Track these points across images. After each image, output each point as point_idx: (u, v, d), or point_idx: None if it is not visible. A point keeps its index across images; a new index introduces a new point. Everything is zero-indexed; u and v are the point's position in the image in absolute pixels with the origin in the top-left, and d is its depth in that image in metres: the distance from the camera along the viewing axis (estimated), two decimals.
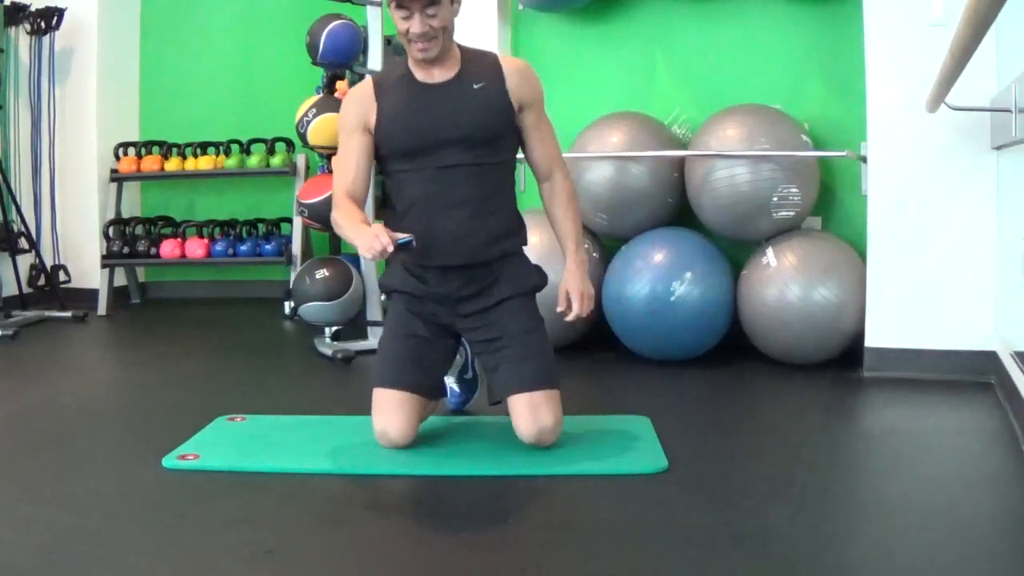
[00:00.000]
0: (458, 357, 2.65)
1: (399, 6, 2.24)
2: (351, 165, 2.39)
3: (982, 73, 2.84)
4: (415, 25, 2.23)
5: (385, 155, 2.40)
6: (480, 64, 2.40)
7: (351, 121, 2.40)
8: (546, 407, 2.34)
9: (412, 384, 2.40)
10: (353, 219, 2.28)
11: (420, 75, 2.36)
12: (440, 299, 2.43)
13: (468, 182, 2.35)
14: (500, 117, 2.37)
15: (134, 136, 5.43)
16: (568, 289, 2.45)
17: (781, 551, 1.76)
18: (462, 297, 2.42)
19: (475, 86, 2.35)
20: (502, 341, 2.39)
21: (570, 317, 2.45)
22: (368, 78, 2.47)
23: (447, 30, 2.29)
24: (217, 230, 5.04)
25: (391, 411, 2.38)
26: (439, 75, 2.36)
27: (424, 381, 2.43)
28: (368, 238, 2.14)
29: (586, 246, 3.55)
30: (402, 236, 2.21)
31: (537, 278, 2.50)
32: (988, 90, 2.90)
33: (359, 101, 2.40)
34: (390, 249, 2.13)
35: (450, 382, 2.69)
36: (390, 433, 2.37)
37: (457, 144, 2.33)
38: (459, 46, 2.41)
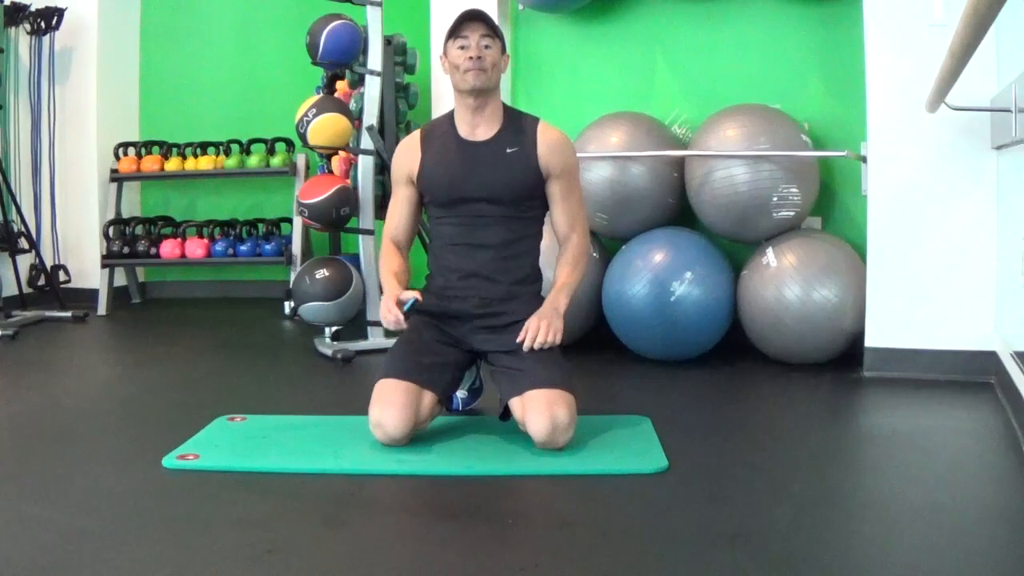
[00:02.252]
0: (467, 374, 2.67)
1: (458, 36, 2.46)
2: (397, 213, 2.64)
3: (982, 73, 2.84)
4: (471, 50, 2.44)
5: (427, 201, 2.62)
6: (519, 128, 2.55)
7: (399, 173, 2.64)
8: (562, 405, 2.34)
9: (415, 377, 2.41)
10: (386, 270, 2.56)
11: (463, 131, 2.55)
12: (458, 315, 2.53)
13: (494, 229, 2.53)
14: (526, 181, 2.53)
15: (134, 136, 5.43)
16: (530, 320, 2.45)
17: (781, 551, 1.76)
18: (478, 315, 2.53)
19: (508, 150, 2.52)
20: (520, 352, 2.44)
21: (525, 344, 2.42)
22: (419, 129, 2.66)
23: (497, 68, 2.48)
24: (217, 230, 5.04)
25: (389, 402, 2.38)
26: (480, 133, 2.54)
27: (428, 378, 2.43)
28: (383, 312, 2.45)
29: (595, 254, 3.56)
30: (407, 299, 2.44)
31: None
32: (988, 90, 2.90)
33: (406, 152, 2.62)
34: (403, 322, 2.42)
35: (460, 395, 2.71)
36: (385, 424, 2.36)
37: (486, 200, 2.52)
38: (505, 106, 2.59)
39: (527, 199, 2.55)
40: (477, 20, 2.46)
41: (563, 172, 2.55)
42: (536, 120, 2.59)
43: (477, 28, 2.46)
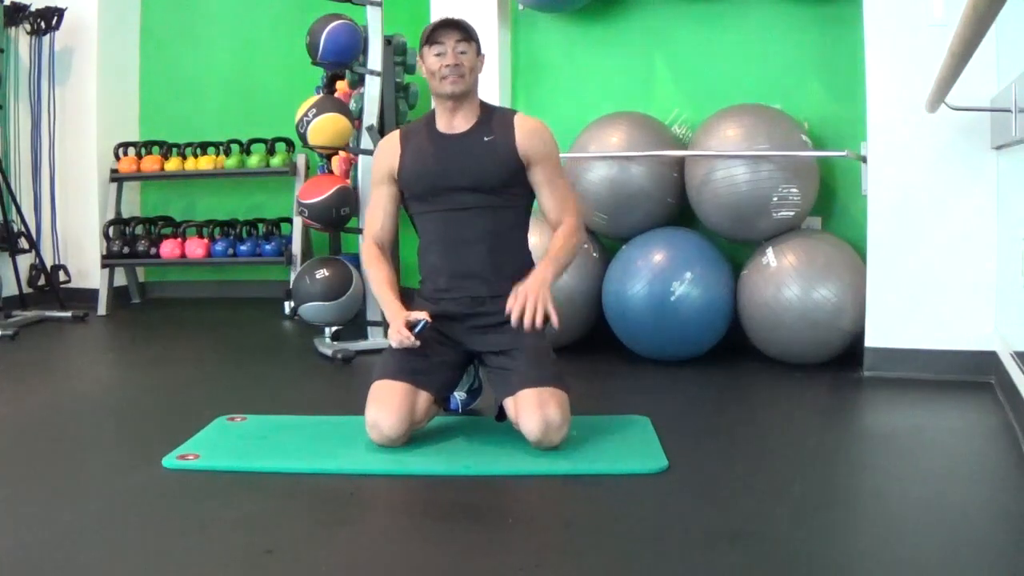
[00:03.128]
0: (466, 375, 2.67)
1: (433, 43, 2.47)
2: (379, 212, 2.62)
3: (982, 73, 2.84)
4: (448, 57, 2.46)
5: (407, 197, 2.60)
6: (496, 119, 2.57)
7: (379, 172, 2.62)
8: (554, 404, 2.33)
9: (411, 378, 2.41)
10: (380, 281, 2.55)
11: (441, 126, 2.56)
12: (451, 316, 2.52)
13: (479, 221, 2.51)
14: (505, 168, 2.51)
15: (134, 136, 5.43)
16: (515, 291, 2.39)
17: (781, 551, 1.76)
18: (470, 315, 2.52)
19: (485, 139, 2.52)
20: (512, 352, 2.44)
21: (513, 319, 2.34)
22: (397, 129, 2.67)
23: (474, 71, 2.51)
24: (217, 230, 5.04)
25: (385, 403, 2.38)
26: (458, 126, 2.54)
27: (424, 378, 2.43)
28: (393, 334, 2.43)
29: (586, 245, 3.56)
30: (416, 320, 2.42)
31: None
32: (988, 90, 2.90)
33: (386, 150, 2.61)
34: (416, 342, 2.39)
35: (459, 396, 2.70)
36: (381, 425, 2.36)
37: (467, 190, 2.50)
38: (483, 103, 2.60)
39: (507, 186, 2.53)
40: (452, 27, 2.48)
41: (544, 158, 2.54)
42: (513, 112, 2.62)
43: (452, 35, 2.47)
